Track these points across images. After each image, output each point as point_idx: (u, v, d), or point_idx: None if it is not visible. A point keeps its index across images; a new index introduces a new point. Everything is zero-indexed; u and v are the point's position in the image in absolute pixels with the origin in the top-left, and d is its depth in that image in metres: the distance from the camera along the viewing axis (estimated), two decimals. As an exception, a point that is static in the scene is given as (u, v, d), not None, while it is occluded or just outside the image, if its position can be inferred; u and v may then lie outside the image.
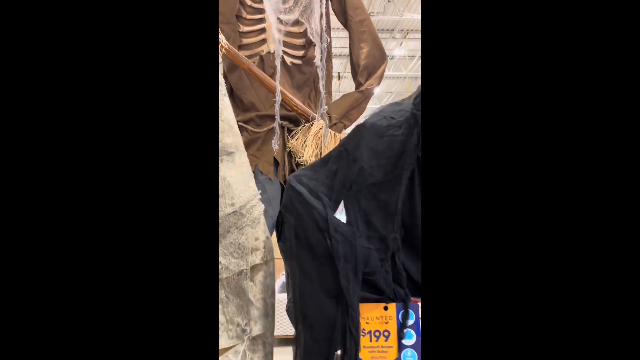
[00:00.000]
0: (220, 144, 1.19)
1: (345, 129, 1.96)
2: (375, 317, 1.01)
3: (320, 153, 1.82)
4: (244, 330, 1.10)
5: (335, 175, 1.01)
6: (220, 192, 1.17)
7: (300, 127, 1.76)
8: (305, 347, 0.98)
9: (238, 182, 1.18)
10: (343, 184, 1.00)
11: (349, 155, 1.02)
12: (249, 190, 1.19)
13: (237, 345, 1.09)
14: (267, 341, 1.13)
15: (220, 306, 1.12)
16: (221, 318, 1.13)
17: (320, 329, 0.97)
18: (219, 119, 1.22)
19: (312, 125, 1.79)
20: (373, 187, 1.02)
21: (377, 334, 1.01)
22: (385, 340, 1.01)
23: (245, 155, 1.24)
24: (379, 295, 1.01)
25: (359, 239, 1.00)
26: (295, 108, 1.75)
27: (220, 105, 1.20)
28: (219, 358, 1.08)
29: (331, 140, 1.85)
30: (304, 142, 1.82)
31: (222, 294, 1.14)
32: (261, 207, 1.19)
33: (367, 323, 1.01)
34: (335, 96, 2.03)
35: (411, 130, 1.04)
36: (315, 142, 1.85)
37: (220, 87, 1.24)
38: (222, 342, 1.10)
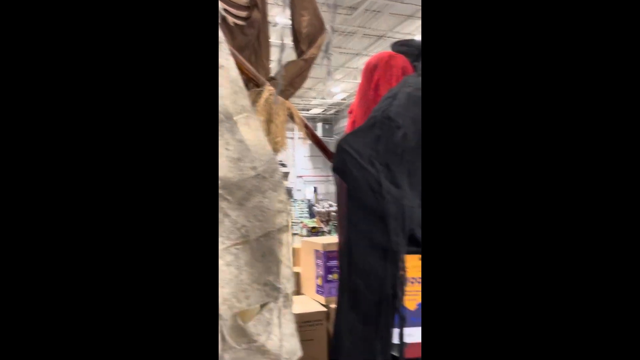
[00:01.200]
0: (234, 105, 1.18)
1: (291, 96, 2.01)
2: (413, 266, 1.16)
3: (270, 119, 1.85)
4: (277, 288, 1.14)
5: (379, 140, 1.11)
6: (237, 155, 1.17)
7: (248, 92, 1.77)
8: (358, 293, 1.08)
9: (256, 146, 1.19)
10: (388, 148, 1.11)
11: (393, 122, 1.13)
12: (267, 154, 1.20)
13: (269, 303, 1.13)
14: (292, 297, 1.19)
15: (246, 268, 1.14)
16: (245, 279, 1.15)
17: (372, 278, 1.09)
18: (228, 79, 1.20)
19: (261, 90, 1.80)
20: (414, 151, 1.15)
21: (412, 280, 1.16)
22: (419, 285, 1.17)
23: (257, 117, 1.25)
24: (417, 247, 1.16)
25: (405, 200, 1.13)
26: (245, 72, 1.74)
27: (225, 65, 1.19)
28: (255, 316, 1.11)
29: (281, 107, 1.89)
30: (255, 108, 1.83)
31: (247, 256, 1.15)
32: (281, 170, 1.22)
33: (406, 272, 1.15)
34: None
35: None
36: (265, 108, 1.87)
37: (222, 47, 1.21)
38: (253, 301, 1.13)
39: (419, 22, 6.81)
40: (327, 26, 2.05)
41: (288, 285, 1.17)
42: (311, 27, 2.02)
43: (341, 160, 1.10)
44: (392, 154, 1.11)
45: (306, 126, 1.92)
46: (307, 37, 2.01)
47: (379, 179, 1.05)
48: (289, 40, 2.05)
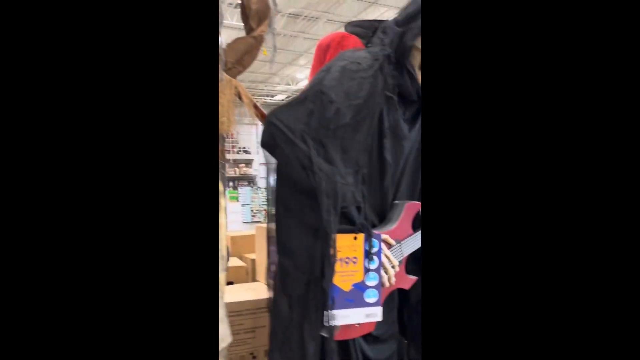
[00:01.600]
0: None
1: (239, 74, 1.95)
2: (346, 245, 1.13)
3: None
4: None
5: (312, 115, 1.07)
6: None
7: None
8: (287, 274, 1.05)
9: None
10: (320, 123, 1.07)
11: (325, 96, 1.09)
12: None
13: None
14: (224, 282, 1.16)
15: None
16: None
17: (301, 257, 1.05)
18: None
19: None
20: (348, 126, 1.12)
21: (347, 260, 1.13)
22: (354, 265, 1.14)
23: None
24: (351, 226, 1.13)
25: (337, 176, 1.09)
26: None
27: None
28: None
29: (227, 85, 1.83)
30: None
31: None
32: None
33: (338, 251, 1.12)
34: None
35: (377, 74, 1.16)
36: (210, 86, 1.81)
37: None
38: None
39: (383, 9, 6.79)
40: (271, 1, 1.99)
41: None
42: (261, 3, 1.95)
43: (270, 134, 1.06)
44: (324, 129, 1.08)
45: (255, 106, 1.87)
46: (256, 14, 1.95)
47: (309, 155, 1.01)
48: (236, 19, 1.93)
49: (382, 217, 1.33)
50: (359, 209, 1.14)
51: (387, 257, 1.23)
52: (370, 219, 1.30)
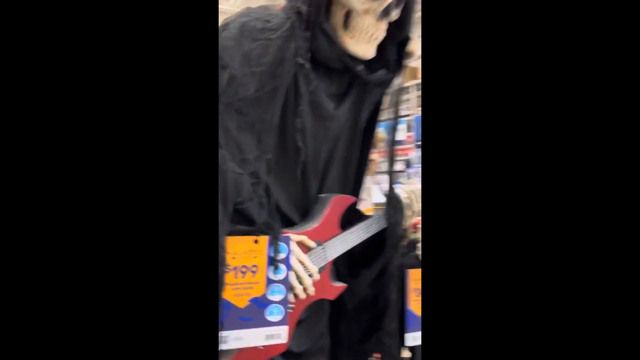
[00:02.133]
0: None
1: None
2: (244, 251, 0.89)
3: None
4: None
5: None
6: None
7: None
8: None
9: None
10: None
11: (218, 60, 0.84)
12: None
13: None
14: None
15: None
16: None
17: None
18: None
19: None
20: (246, 100, 0.87)
21: (243, 269, 0.89)
22: (253, 276, 0.90)
23: None
24: (250, 227, 0.89)
25: (229, 163, 0.85)
26: None
27: None
28: None
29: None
30: None
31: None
32: None
33: (233, 258, 0.88)
34: None
35: (290, 35, 0.91)
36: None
37: None
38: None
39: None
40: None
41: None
42: None
43: None
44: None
45: None
46: None
47: None
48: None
49: (305, 213, 1.09)
50: (261, 205, 0.89)
51: (301, 262, 0.99)
52: (289, 216, 1.06)
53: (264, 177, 0.91)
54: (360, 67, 0.99)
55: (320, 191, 1.10)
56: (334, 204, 1.07)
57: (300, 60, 0.92)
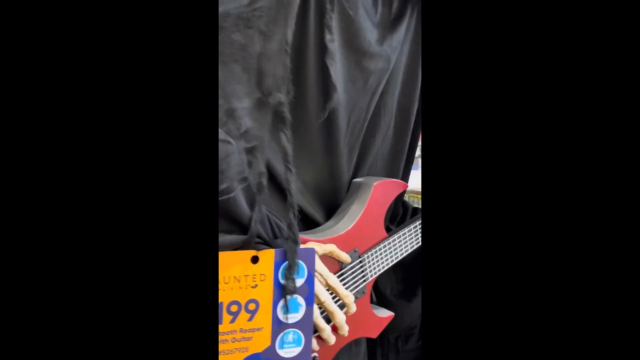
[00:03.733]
0: None
1: None
2: (233, 276, 0.52)
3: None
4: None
5: None
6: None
7: None
8: None
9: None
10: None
11: None
12: None
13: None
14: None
15: None
16: None
17: None
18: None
19: None
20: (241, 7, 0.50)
21: (234, 308, 0.52)
22: (250, 319, 0.53)
23: None
24: (242, 235, 0.51)
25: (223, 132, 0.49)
26: None
27: None
28: None
29: None
30: None
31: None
32: None
33: (220, 290, 0.51)
34: None
35: None
36: None
37: None
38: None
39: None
40: None
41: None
42: None
43: None
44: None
45: None
46: None
47: None
48: None
49: (333, 208, 0.71)
50: (259, 191, 0.51)
51: (330, 289, 0.62)
52: (308, 211, 0.68)
53: (263, 144, 0.53)
54: None
55: (356, 174, 0.72)
56: (377, 194, 0.69)
57: None
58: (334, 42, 0.57)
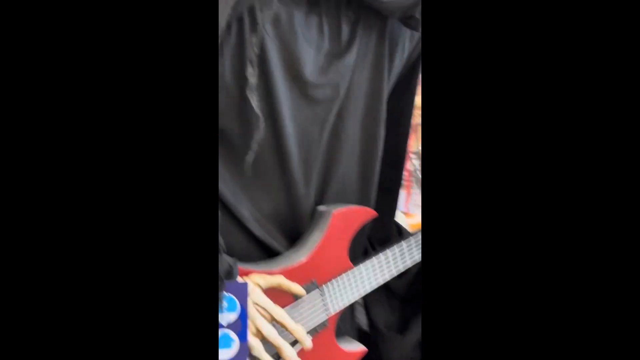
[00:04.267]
0: None
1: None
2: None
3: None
4: None
5: None
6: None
7: None
8: None
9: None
10: None
11: None
12: None
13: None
14: None
15: None
16: None
17: None
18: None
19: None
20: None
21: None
22: None
23: None
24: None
25: None
26: None
27: None
28: None
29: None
30: None
31: None
32: None
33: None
34: None
35: None
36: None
37: None
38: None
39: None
40: None
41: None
42: None
43: None
44: None
45: None
46: None
47: None
48: None
49: (297, 237, 0.70)
50: None
51: (278, 322, 0.59)
52: (265, 240, 0.67)
53: None
54: None
55: (321, 201, 0.70)
56: (336, 222, 0.67)
57: None
58: (255, 77, 0.57)
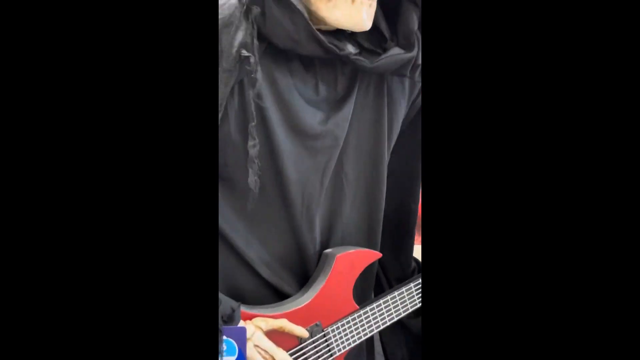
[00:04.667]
0: None
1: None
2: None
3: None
4: None
5: None
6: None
7: None
8: None
9: None
10: None
11: None
12: None
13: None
14: None
15: None
16: None
17: None
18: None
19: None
20: None
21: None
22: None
23: None
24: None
25: None
26: None
27: None
28: None
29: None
30: None
31: None
32: None
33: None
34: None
35: (228, 19, 0.60)
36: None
37: None
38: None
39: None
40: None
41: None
42: None
43: None
44: None
45: None
46: None
47: None
48: None
49: (305, 280, 0.72)
50: None
51: None
52: (275, 284, 0.70)
53: None
54: (348, 50, 0.63)
55: (327, 244, 0.73)
56: (340, 265, 0.69)
57: (244, 53, 0.59)
58: (256, 147, 0.62)
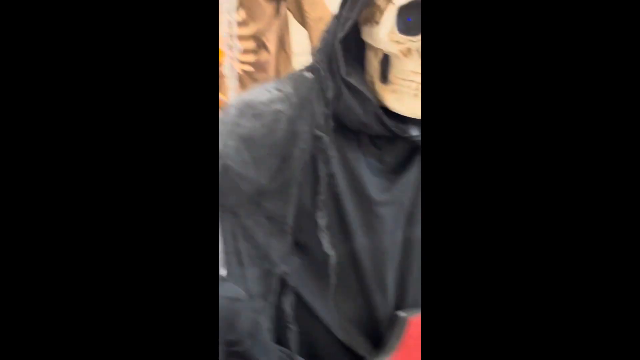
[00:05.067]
0: None
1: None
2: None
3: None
4: None
5: None
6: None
7: None
8: None
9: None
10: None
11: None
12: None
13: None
14: None
15: None
16: None
17: None
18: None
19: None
20: (244, 196, 0.67)
21: None
22: None
23: None
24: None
25: (226, 285, 0.63)
26: None
27: None
28: None
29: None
30: None
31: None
32: None
33: None
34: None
35: (305, 102, 0.68)
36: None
37: None
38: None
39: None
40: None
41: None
42: None
43: None
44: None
45: None
46: None
47: None
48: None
49: (381, 342, 0.73)
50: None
51: None
52: (349, 345, 0.72)
53: (272, 299, 0.62)
54: (410, 132, 0.68)
55: (400, 305, 0.73)
56: (412, 328, 0.69)
57: (318, 133, 0.65)
58: (324, 218, 0.66)
